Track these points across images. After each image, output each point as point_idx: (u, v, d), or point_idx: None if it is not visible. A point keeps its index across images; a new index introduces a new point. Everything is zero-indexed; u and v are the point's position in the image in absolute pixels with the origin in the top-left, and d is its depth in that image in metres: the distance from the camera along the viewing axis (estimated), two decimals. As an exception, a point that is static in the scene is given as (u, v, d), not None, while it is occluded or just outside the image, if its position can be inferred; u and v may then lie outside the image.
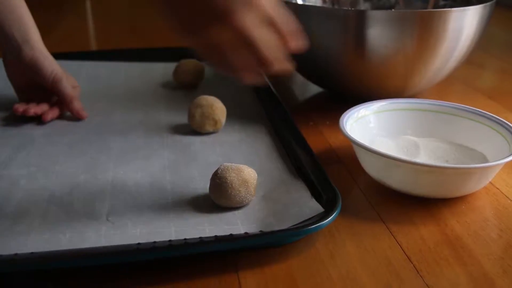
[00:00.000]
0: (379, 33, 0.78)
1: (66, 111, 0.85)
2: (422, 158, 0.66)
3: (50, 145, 0.75)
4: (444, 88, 0.98)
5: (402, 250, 0.55)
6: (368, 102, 0.73)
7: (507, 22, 1.53)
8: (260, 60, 0.51)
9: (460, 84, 1.03)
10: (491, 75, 1.17)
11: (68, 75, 0.84)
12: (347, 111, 0.69)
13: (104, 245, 0.52)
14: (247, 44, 0.50)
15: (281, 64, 0.53)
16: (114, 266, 0.51)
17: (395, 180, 0.62)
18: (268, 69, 0.53)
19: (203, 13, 0.49)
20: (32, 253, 0.50)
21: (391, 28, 0.77)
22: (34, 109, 0.81)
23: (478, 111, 0.70)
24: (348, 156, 0.71)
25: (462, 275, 0.51)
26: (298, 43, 0.53)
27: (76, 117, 0.83)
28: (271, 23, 0.51)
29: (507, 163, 0.60)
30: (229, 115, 0.80)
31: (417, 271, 0.51)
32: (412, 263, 0.53)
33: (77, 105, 0.83)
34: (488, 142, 0.67)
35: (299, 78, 1.06)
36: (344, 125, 0.66)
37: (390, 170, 0.62)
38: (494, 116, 0.69)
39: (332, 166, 0.70)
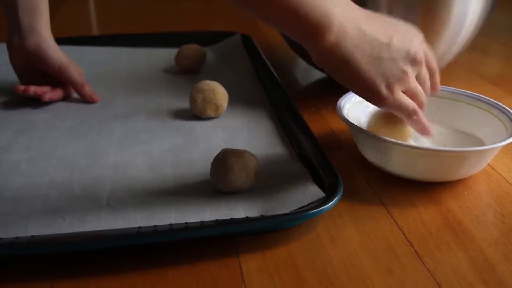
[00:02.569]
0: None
1: (68, 95, 0.85)
2: (420, 142, 0.66)
3: (51, 129, 0.74)
4: (447, 74, 0.97)
5: (403, 234, 0.54)
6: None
7: (510, 7, 1.52)
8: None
9: (463, 70, 1.03)
10: (495, 61, 1.17)
11: (73, 62, 0.84)
12: (345, 95, 0.69)
13: (104, 229, 0.53)
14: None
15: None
16: (114, 250, 0.51)
17: (391, 164, 0.62)
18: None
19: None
20: (32, 236, 0.51)
21: (395, 12, 0.77)
22: (34, 88, 0.80)
23: (476, 95, 0.70)
24: (350, 141, 0.71)
25: (463, 260, 0.51)
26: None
27: (88, 101, 0.84)
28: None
29: (507, 147, 0.59)
30: (231, 100, 0.80)
31: (418, 255, 0.51)
32: (413, 248, 0.52)
33: (89, 89, 0.84)
34: (487, 126, 0.67)
35: (302, 64, 1.05)
36: (342, 109, 0.66)
37: (386, 154, 0.62)
38: (493, 100, 0.68)
39: (333, 151, 0.70)
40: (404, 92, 0.58)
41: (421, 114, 0.60)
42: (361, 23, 0.54)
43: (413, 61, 0.57)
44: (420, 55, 0.57)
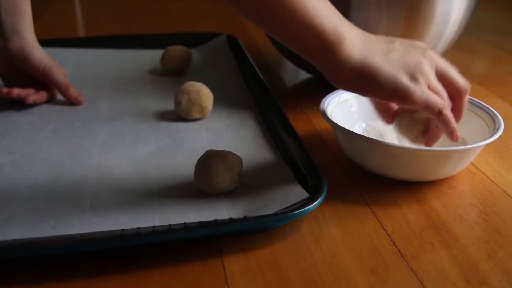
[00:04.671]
0: (366, 17, 0.77)
1: (53, 97, 0.84)
2: (402, 141, 0.66)
3: (34, 132, 0.74)
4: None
5: (387, 234, 0.54)
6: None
7: (497, 7, 1.53)
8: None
9: (449, 69, 1.03)
10: (481, 60, 1.17)
11: (57, 64, 0.84)
12: (329, 95, 0.69)
13: (87, 232, 0.52)
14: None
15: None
16: (98, 252, 0.51)
17: (374, 164, 0.63)
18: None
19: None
20: (15, 240, 0.50)
21: (378, 12, 0.77)
22: (18, 91, 0.80)
23: None
24: (334, 141, 0.71)
25: (446, 259, 0.51)
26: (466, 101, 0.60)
27: (73, 103, 0.83)
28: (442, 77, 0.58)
29: (491, 147, 0.60)
30: (216, 102, 0.80)
31: (401, 255, 0.51)
32: (396, 247, 0.53)
33: (74, 91, 0.83)
34: (469, 126, 0.67)
35: (288, 65, 1.05)
36: (325, 109, 0.66)
37: (369, 153, 0.62)
38: (475, 100, 0.69)
39: (318, 151, 0.70)
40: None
41: (450, 113, 0.57)
42: (365, 36, 0.56)
43: (423, 53, 0.57)
44: (428, 50, 0.57)
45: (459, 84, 0.58)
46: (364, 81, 0.55)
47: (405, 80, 0.54)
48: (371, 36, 0.57)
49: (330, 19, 0.54)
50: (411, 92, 0.54)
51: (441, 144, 0.62)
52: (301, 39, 0.54)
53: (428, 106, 0.55)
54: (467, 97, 0.59)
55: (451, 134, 0.58)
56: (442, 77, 0.57)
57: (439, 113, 0.56)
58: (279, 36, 0.56)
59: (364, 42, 0.55)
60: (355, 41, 0.54)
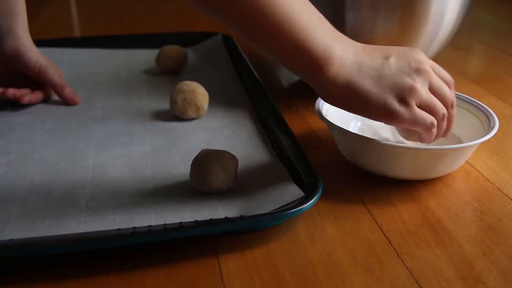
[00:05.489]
0: (361, 18, 0.77)
1: (48, 97, 0.84)
2: (398, 140, 0.66)
3: (30, 132, 0.74)
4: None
5: (383, 232, 0.55)
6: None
7: (492, 5, 1.53)
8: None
9: (445, 68, 1.02)
10: (476, 59, 1.17)
11: (52, 64, 0.83)
12: None
13: (83, 231, 0.52)
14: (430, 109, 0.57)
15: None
16: (94, 252, 0.51)
17: (369, 162, 0.63)
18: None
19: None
20: (10, 240, 0.50)
21: (373, 11, 0.77)
22: (13, 91, 0.80)
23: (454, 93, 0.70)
24: (330, 140, 0.71)
25: (442, 257, 0.51)
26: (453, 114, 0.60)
27: (68, 103, 0.83)
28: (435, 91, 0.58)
29: (486, 145, 0.60)
30: (212, 101, 0.80)
31: (397, 253, 0.52)
32: (392, 246, 0.53)
33: (69, 91, 0.83)
34: (464, 124, 0.67)
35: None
36: (320, 108, 0.66)
37: (364, 152, 0.62)
38: (470, 98, 0.69)
39: (314, 150, 0.70)
40: (420, 107, 0.56)
41: (443, 123, 0.59)
42: (359, 53, 0.55)
43: (418, 71, 0.56)
44: (424, 65, 0.56)
45: (447, 100, 0.58)
46: (353, 101, 0.56)
47: (394, 104, 0.55)
48: (366, 49, 0.56)
49: (320, 36, 0.53)
50: (399, 115, 0.56)
51: (437, 143, 0.62)
52: (287, 56, 0.55)
53: (416, 125, 0.57)
54: (454, 110, 0.60)
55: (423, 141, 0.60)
56: (434, 92, 0.58)
57: (428, 129, 0.57)
58: (267, 52, 0.56)
59: (354, 62, 0.55)
60: (346, 60, 0.54)
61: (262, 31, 0.53)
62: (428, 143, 0.60)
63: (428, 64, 0.57)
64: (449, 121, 0.60)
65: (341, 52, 0.54)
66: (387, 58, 0.56)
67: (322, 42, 0.53)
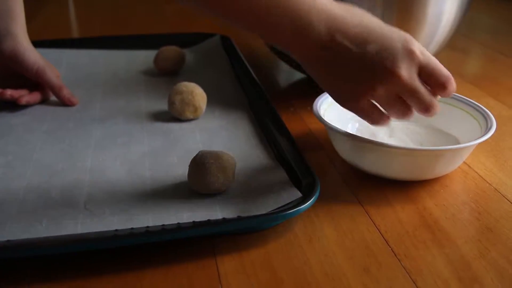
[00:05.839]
0: (359, 18, 0.77)
1: (46, 98, 0.84)
2: (396, 141, 0.67)
3: (28, 133, 0.74)
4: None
5: (380, 233, 0.55)
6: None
7: (490, 7, 1.54)
8: (423, 107, 0.56)
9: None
10: (474, 60, 1.18)
11: (50, 65, 0.83)
12: (321, 95, 0.69)
13: (81, 232, 0.52)
14: (411, 95, 0.55)
15: (437, 108, 0.57)
16: (91, 253, 0.51)
17: (367, 163, 0.63)
18: (430, 114, 0.57)
19: (372, 76, 0.54)
20: (8, 240, 0.50)
21: (370, 12, 0.77)
22: (11, 92, 0.80)
23: (452, 94, 0.70)
24: (328, 141, 0.71)
25: (439, 257, 0.51)
26: (451, 87, 0.57)
27: (66, 104, 0.83)
28: (426, 72, 0.55)
29: (484, 146, 0.60)
30: (210, 102, 0.80)
31: (394, 254, 0.52)
32: (389, 246, 0.53)
33: (67, 92, 0.83)
34: (462, 125, 0.67)
35: (281, 65, 1.05)
36: (318, 109, 0.66)
37: (361, 153, 0.62)
38: (467, 99, 0.69)
39: (311, 151, 0.70)
40: (396, 96, 0.55)
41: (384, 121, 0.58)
42: (339, 23, 0.53)
43: (408, 53, 0.53)
44: (412, 47, 0.54)
45: (441, 79, 0.56)
46: (333, 65, 0.55)
47: (359, 90, 0.55)
48: (347, 20, 0.54)
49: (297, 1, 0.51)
50: (358, 104, 0.56)
51: (436, 144, 0.62)
52: (267, 18, 0.52)
53: (365, 119, 0.58)
54: (452, 87, 0.57)
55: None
56: (426, 73, 0.55)
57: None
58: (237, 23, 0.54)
59: (335, 33, 0.53)
60: (330, 20, 0.53)
61: None
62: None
63: (419, 49, 0.55)
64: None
65: (320, 17, 0.52)
66: (370, 32, 0.54)
67: (301, 7, 0.51)
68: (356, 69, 0.54)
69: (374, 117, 0.57)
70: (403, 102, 0.56)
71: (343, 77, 0.55)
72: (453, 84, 0.56)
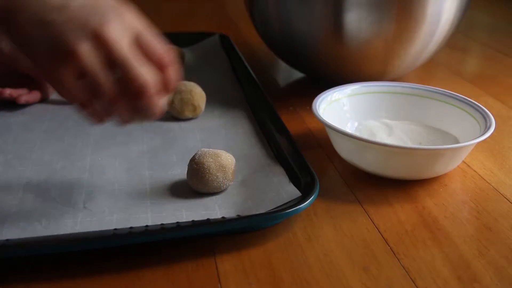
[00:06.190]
0: (358, 17, 0.77)
1: (45, 97, 0.84)
2: (395, 140, 0.67)
3: (27, 132, 0.74)
4: (425, 72, 0.98)
5: (379, 232, 0.55)
6: (342, 86, 0.73)
7: (489, 6, 1.54)
8: (137, 88, 0.46)
9: (442, 68, 1.03)
10: (473, 59, 1.17)
11: None
12: (320, 94, 0.69)
13: (80, 231, 0.52)
14: (120, 64, 0.46)
15: (158, 97, 0.47)
16: (90, 252, 0.51)
17: (366, 163, 0.63)
18: (147, 101, 0.47)
19: (71, 34, 0.45)
20: (7, 240, 0.50)
21: (370, 11, 0.77)
22: (10, 91, 0.80)
23: (450, 93, 0.71)
24: (327, 140, 0.71)
25: (438, 256, 0.51)
26: (174, 74, 0.48)
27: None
28: (143, 47, 0.47)
29: (483, 145, 0.60)
30: (209, 101, 0.80)
31: (393, 253, 0.52)
32: (389, 245, 0.53)
33: None
34: (461, 124, 0.67)
35: (281, 64, 1.05)
36: (317, 108, 0.66)
37: (361, 152, 0.62)
38: (466, 98, 0.69)
39: (311, 150, 0.70)
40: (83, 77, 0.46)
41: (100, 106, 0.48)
42: None
43: (94, 32, 0.45)
44: (109, 27, 0.46)
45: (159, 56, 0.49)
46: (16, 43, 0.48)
47: (44, 62, 0.46)
48: None
49: None
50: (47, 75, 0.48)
51: (435, 144, 0.62)
52: None
53: (65, 97, 0.49)
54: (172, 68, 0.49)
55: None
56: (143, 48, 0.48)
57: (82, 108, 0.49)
58: None
59: None
60: None
61: None
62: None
63: (133, 31, 0.48)
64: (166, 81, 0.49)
65: None
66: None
67: None
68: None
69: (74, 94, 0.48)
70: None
71: None
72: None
